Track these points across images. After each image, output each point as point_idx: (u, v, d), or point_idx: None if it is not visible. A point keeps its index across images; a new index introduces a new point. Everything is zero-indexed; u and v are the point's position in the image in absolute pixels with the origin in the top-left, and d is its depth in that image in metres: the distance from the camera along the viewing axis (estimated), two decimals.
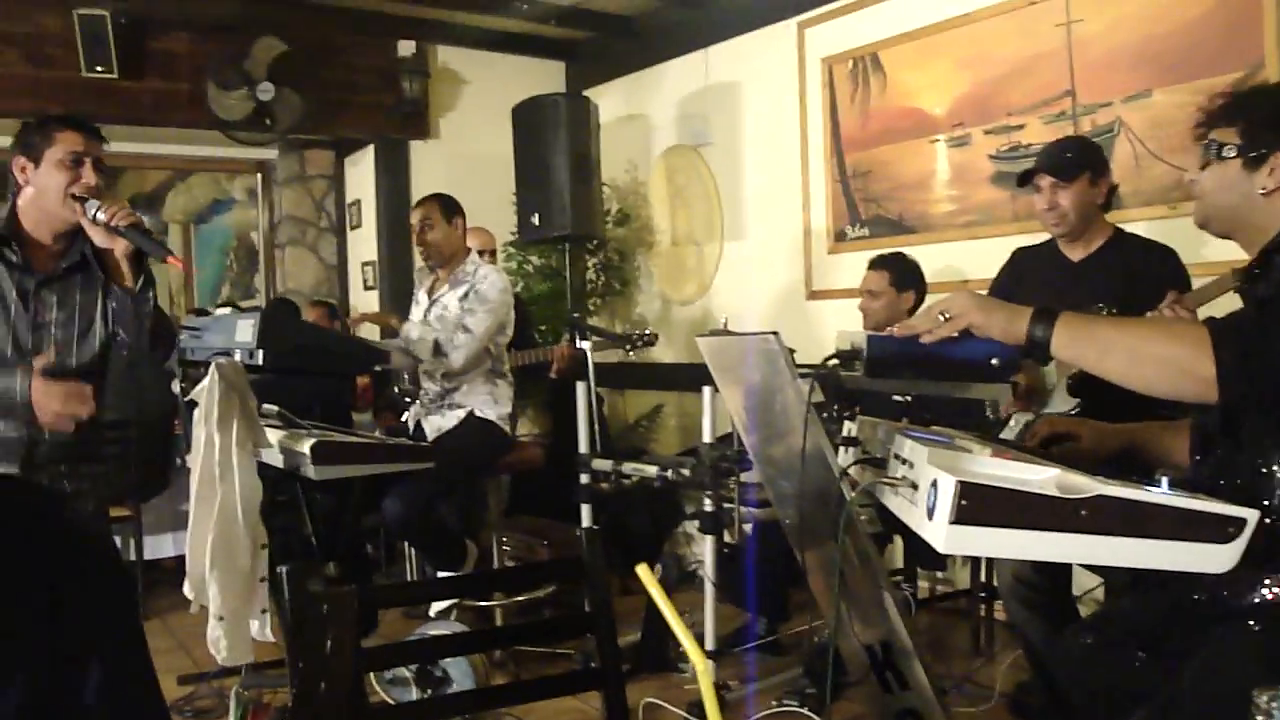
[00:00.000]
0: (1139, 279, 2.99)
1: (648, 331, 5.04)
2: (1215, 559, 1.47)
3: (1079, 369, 2.59)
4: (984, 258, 4.00)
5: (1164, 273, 3.05)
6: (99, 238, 2.78)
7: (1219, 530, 1.46)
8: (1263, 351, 1.59)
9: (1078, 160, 3.25)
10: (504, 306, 4.31)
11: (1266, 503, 1.64)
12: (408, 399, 4.56)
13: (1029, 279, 3.47)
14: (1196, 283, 2.98)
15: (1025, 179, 3.37)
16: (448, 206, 4.38)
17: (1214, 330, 1.62)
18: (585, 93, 6.27)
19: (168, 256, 2.77)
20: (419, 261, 4.91)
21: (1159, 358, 1.66)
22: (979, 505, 1.45)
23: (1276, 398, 1.66)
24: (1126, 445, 2.17)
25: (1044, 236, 3.52)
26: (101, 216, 2.74)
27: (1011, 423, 3.19)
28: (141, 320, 2.82)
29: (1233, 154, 1.83)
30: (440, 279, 4.41)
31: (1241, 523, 1.46)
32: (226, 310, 4.05)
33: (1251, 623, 1.63)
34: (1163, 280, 2.92)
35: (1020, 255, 3.60)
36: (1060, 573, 2.73)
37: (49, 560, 0.85)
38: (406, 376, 4.49)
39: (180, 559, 4.56)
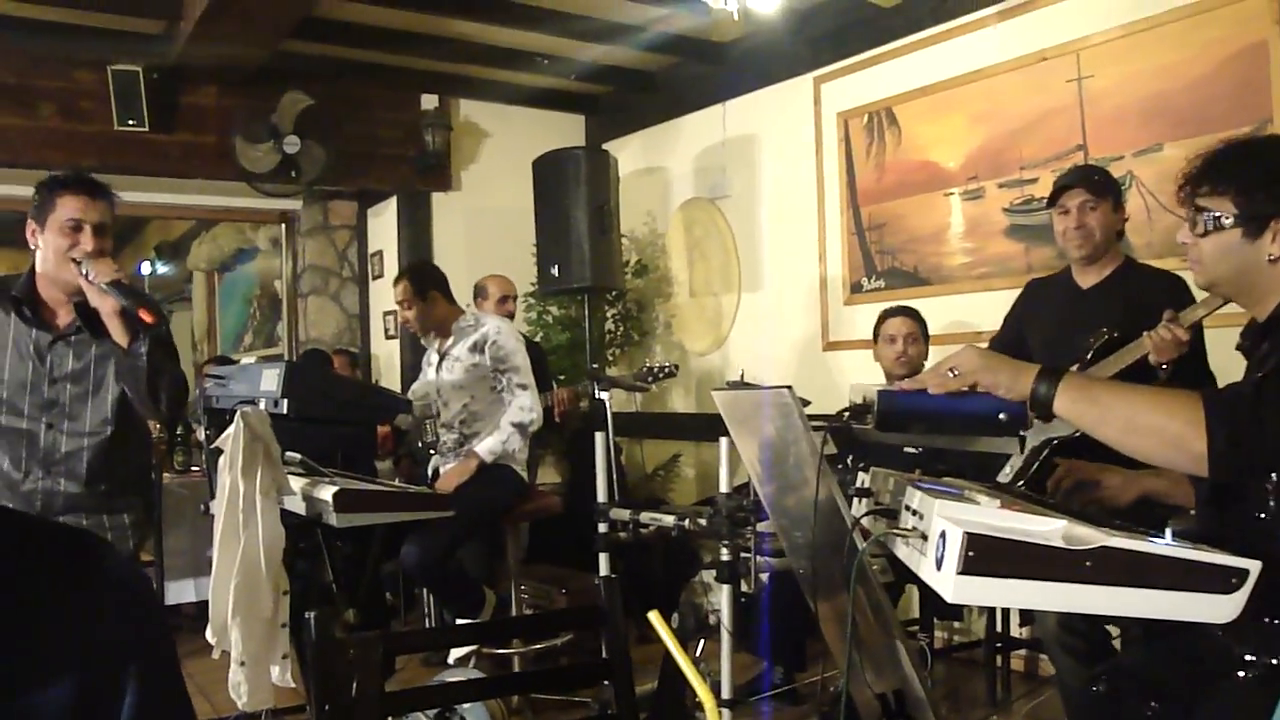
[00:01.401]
0: (1145, 306, 3.03)
1: (667, 364, 5.07)
2: (1218, 609, 1.50)
3: None
4: (998, 309, 4.04)
5: (1169, 301, 3.08)
6: (92, 297, 2.84)
7: (1221, 581, 1.49)
8: (1255, 434, 1.60)
9: (1106, 183, 3.34)
10: (522, 352, 4.38)
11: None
12: (430, 449, 4.62)
13: (1040, 305, 3.54)
14: None
15: (1056, 195, 3.42)
16: (420, 283, 4.44)
17: (1208, 405, 1.63)
18: (605, 146, 6.38)
19: (140, 309, 2.78)
20: None
21: (1153, 429, 1.68)
22: (986, 556, 1.49)
23: (1269, 470, 1.69)
24: (1148, 492, 2.19)
25: None
26: (90, 275, 2.81)
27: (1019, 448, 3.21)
28: (137, 375, 2.87)
29: (1230, 223, 1.82)
30: (443, 340, 4.48)
31: (1244, 574, 1.49)
32: (251, 359, 4.12)
33: (1252, 674, 1.65)
34: (1167, 306, 2.96)
35: (1034, 284, 3.68)
36: (1100, 621, 2.76)
37: (89, 597, 0.88)
38: (427, 426, 4.55)
39: (201, 604, 4.61)
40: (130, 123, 5.54)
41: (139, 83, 5.49)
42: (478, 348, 4.34)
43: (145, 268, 11.57)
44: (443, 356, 4.44)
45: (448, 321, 4.45)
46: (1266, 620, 1.67)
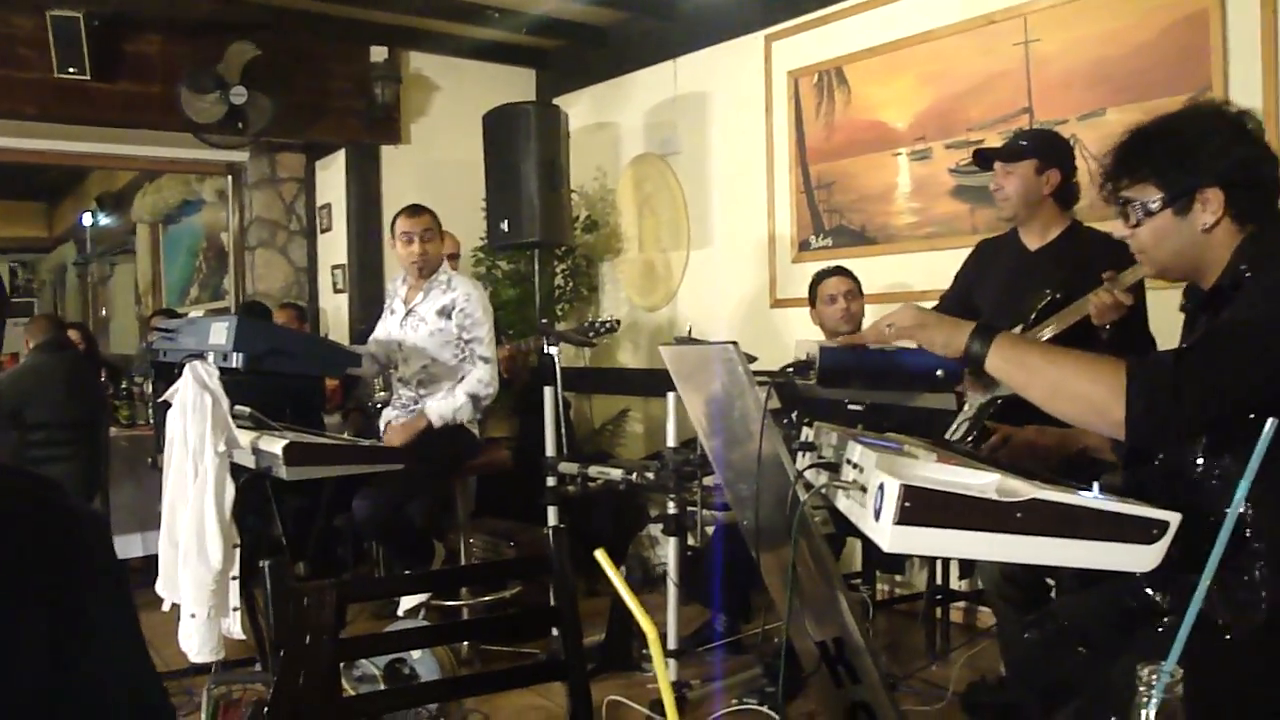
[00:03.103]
0: (1090, 268, 3.09)
1: (609, 319, 5.09)
2: (1140, 559, 1.57)
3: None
4: (943, 269, 4.10)
5: (1114, 263, 3.13)
6: None
7: (1144, 532, 1.56)
8: (1171, 403, 1.65)
9: (1027, 148, 3.40)
10: (489, 316, 4.39)
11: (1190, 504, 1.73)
12: (377, 405, 4.62)
13: (989, 266, 3.61)
14: None
15: (978, 159, 3.56)
16: (437, 220, 4.46)
17: (1130, 374, 1.67)
18: (555, 101, 6.35)
19: None
20: (393, 269, 4.95)
21: (1076, 395, 1.73)
22: (922, 507, 1.54)
23: (1182, 439, 1.75)
24: (1083, 448, 2.26)
25: None
26: None
27: (966, 407, 3.29)
28: None
29: (1158, 206, 1.85)
30: (414, 288, 4.46)
31: (1165, 525, 1.56)
32: (199, 313, 4.11)
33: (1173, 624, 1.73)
34: (1111, 269, 3.03)
35: (984, 245, 3.74)
36: (1041, 571, 2.84)
37: (51, 544, 0.91)
38: (377, 384, 4.55)
39: (148, 558, 4.60)
40: (71, 70, 5.43)
41: (80, 29, 5.37)
42: (445, 313, 4.32)
43: (87, 219, 11.39)
44: (409, 312, 4.42)
45: (437, 268, 4.45)
46: (1190, 575, 1.73)
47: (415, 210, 4.45)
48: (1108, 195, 1.95)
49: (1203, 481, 1.78)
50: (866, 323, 4.23)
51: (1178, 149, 1.85)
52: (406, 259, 4.43)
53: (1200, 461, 1.79)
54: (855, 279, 4.30)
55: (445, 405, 4.22)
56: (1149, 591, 1.83)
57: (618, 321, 5.10)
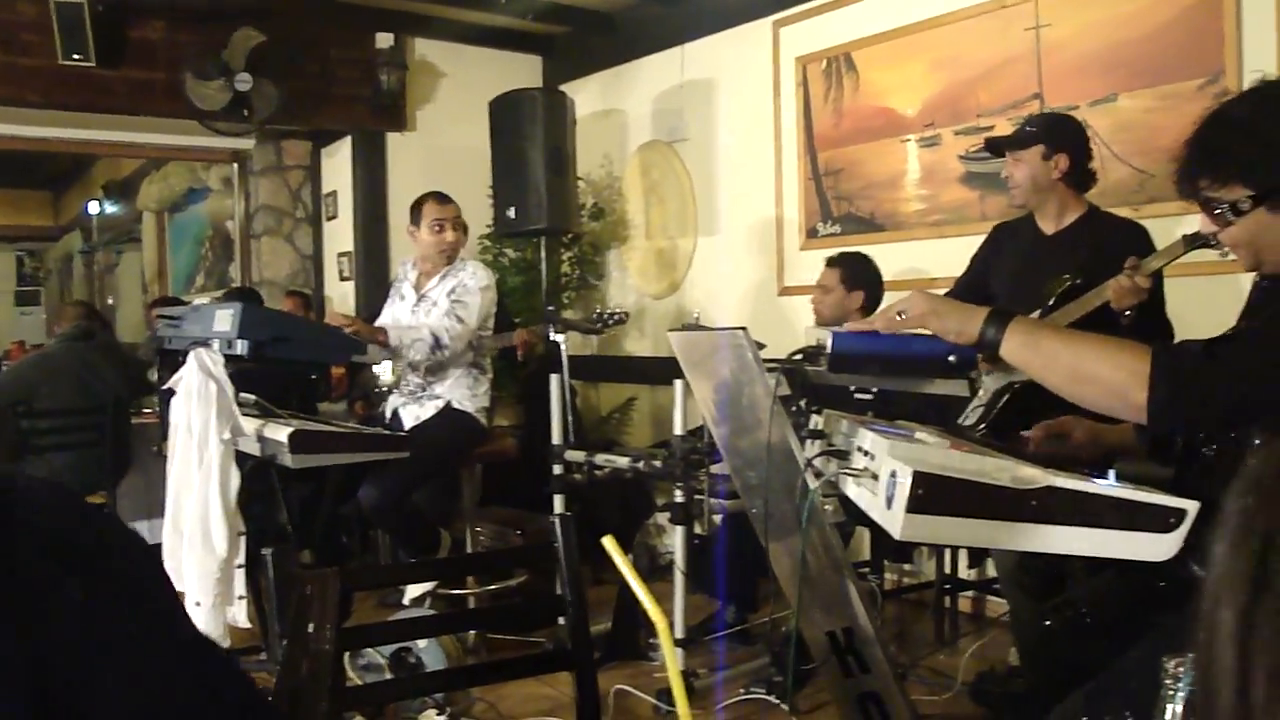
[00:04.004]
0: (1108, 254, 3.06)
1: (617, 311, 5.07)
2: (1157, 548, 1.55)
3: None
4: (952, 257, 4.08)
5: (1132, 249, 3.10)
6: None
7: (1161, 520, 1.54)
8: (1197, 392, 1.62)
9: (1034, 134, 3.37)
10: (491, 297, 4.37)
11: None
12: (381, 389, 4.60)
13: (1005, 250, 3.59)
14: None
15: (989, 146, 3.56)
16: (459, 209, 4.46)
17: (1155, 360, 1.64)
18: (562, 87, 6.31)
19: None
20: (399, 255, 4.93)
21: (1097, 379, 1.69)
22: (934, 495, 1.52)
23: (1205, 428, 1.72)
24: (1120, 442, 2.21)
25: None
26: None
27: (981, 393, 3.26)
28: None
29: (1249, 205, 1.74)
30: (427, 273, 4.45)
31: (1183, 513, 1.54)
32: (204, 299, 4.09)
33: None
34: (1130, 256, 3.00)
35: (999, 229, 3.72)
36: (1057, 559, 2.82)
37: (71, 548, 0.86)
38: (381, 371, 4.52)
39: (155, 547, 4.59)
40: (75, 57, 5.40)
41: (84, 15, 5.34)
42: (454, 291, 4.33)
43: (93, 207, 11.38)
44: (421, 297, 4.41)
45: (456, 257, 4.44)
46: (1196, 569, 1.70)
47: (445, 198, 4.44)
48: (1188, 196, 1.84)
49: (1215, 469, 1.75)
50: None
51: (1261, 142, 1.75)
52: (435, 246, 4.40)
53: (1214, 448, 1.77)
54: (847, 269, 4.25)
55: (407, 331, 4.20)
56: (1195, 568, 1.77)
57: (626, 314, 5.08)
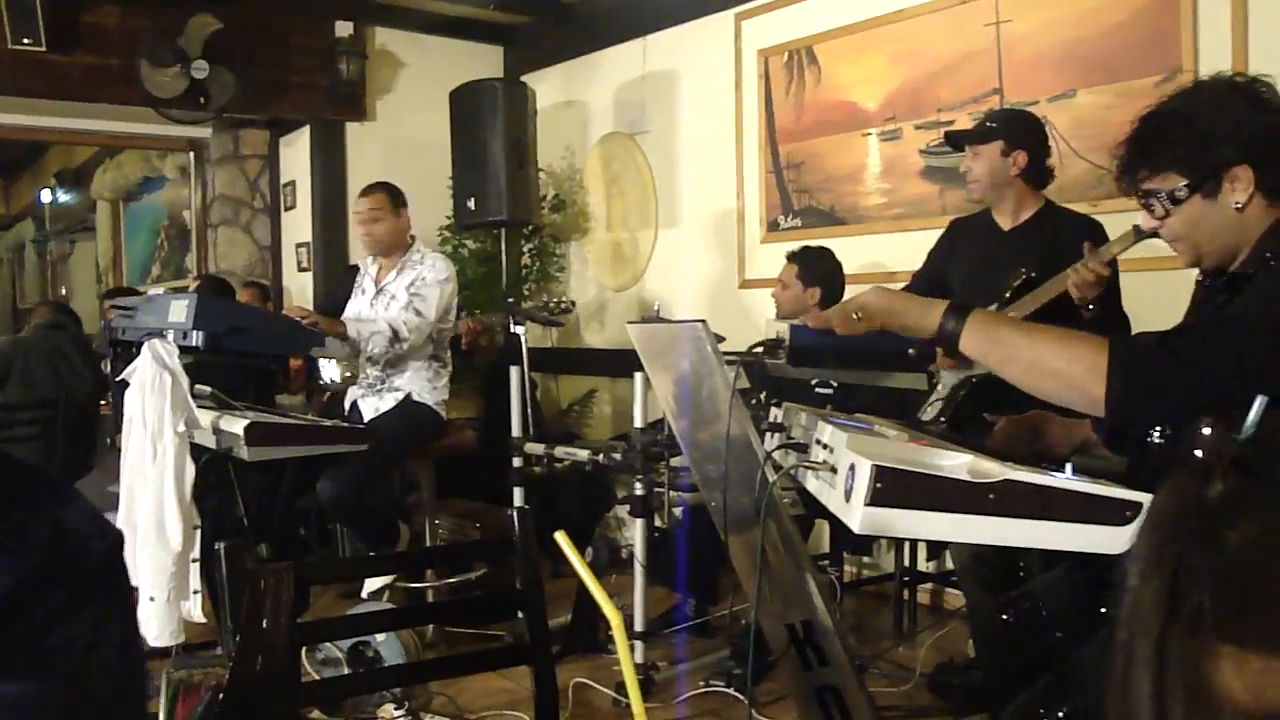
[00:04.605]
0: (1064, 248, 3.09)
1: (564, 300, 5.05)
2: (1112, 540, 1.55)
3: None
4: (912, 250, 4.09)
5: (1091, 242, 3.13)
6: None
7: (1116, 513, 1.55)
8: (1153, 385, 1.63)
9: (994, 129, 3.40)
10: (451, 289, 4.33)
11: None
12: (329, 387, 4.56)
13: (962, 245, 3.62)
14: None
15: (949, 141, 3.61)
16: (395, 197, 4.36)
17: (1111, 354, 1.64)
18: (523, 78, 6.29)
19: None
20: (359, 245, 4.89)
21: (1055, 373, 1.69)
22: (893, 488, 1.52)
23: (1161, 422, 1.73)
24: (1086, 440, 2.22)
25: None
26: None
27: (939, 386, 3.28)
28: None
29: (1185, 193, 1.78)
30: (385, 267, 4.41)
31: (1138, 506, 1.55)
32: (159, 289, 4.04)
33: None
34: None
35: (956, 224, 3.75)
36: (1014, 552, 2.84)
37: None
38: (337, 367, 4.48)
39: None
40: (25, 41, 5.31)
41: None
42: (413, 284, 4.29)
43: (45, 196, 11.21)
44: (379, 290, 4.37)
45: (401, 246, 4.37)
46: None
47: (366, 190, 4.42)
48: (1127, 189, 1.87)
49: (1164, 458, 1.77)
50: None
51: (1196, 130, 1.78)
52: (362, 239, 4.44)
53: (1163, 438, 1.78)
54: (804, 265, 4.24)
55: (365, 324, 4.15)
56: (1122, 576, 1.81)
57: (573, 302, 5.07)
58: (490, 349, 5.43)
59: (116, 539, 0.83)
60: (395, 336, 4.12)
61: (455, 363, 4.69)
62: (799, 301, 4.21)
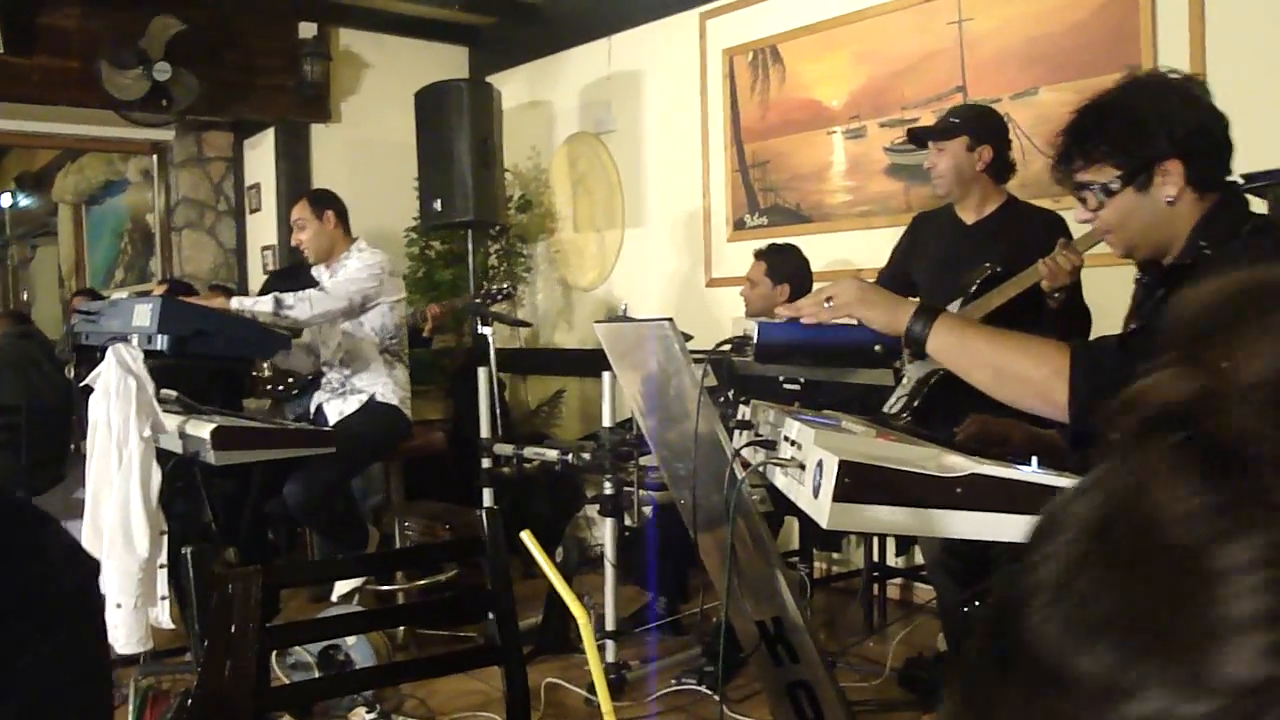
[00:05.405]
0: (1028, 243, 3.12)
1: (504, 286, 5.03)
2: None
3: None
4: (878, 247, 4.11)
5: (1052, 238, 3.15)
6: None
7: None
8: (1115, 388, 1.64)
9: (959, 125, 3.42)
10: (370, 277, 4.22)
11: None
12: (274, 387, 4.53)
13: (925, 240, 3.63)
14: None
15: (912, 138, 3.62)
16: (316, 202, 4.32)
17: (1074, 358, 1.66)
18: (488, 78, 6.27)
19: None
20: None
21: (1020, 378, 1.72)
22: (860, 483, 1.53)
23: None
24: (1052, 445, 2.23)
25: None
26: None
27: (905, 381, 3.30)
28: None
29: (1118, 185, 1.80)
30: (324, 271, 4.38)
31: None
32: (123, 294, 4.01)
33: None
34: (1050, 245, 3.05)
35: (919, 219, 3.77)
36: (982, 545, 2.86)
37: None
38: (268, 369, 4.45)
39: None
40: None
41: None
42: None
43: (5, 200, 11.08)
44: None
45: (336, 249, 4.32)
46: None
47: (297, 197, 4.39)
48: (1061, 180, 1.90)
49: None
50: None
51: (1130, 123, 1.80)
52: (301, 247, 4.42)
53: None
54: (771, 263, 4.24)
55: (251, 300, 4.11)
56: None
57: (514, 286, 5.05)
58: (458, 330, 5.39)
59: (92, 569, 0.84)
60: (279, 304, 4.02)
61: (424, 366, 4.68)
62: (768, 299, 4.23)
